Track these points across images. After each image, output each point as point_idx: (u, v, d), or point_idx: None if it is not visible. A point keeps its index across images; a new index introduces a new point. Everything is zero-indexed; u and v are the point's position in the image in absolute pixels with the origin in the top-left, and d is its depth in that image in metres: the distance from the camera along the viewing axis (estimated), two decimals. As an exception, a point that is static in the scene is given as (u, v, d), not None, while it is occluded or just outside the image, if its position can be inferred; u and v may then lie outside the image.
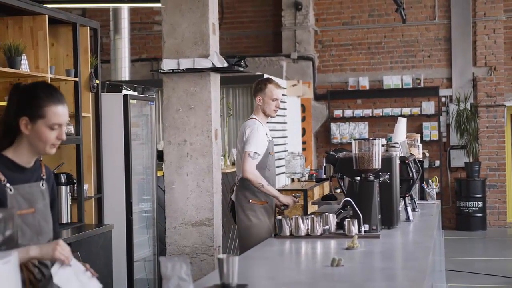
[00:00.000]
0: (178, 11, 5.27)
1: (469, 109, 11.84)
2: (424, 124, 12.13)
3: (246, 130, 5.19)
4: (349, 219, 4.06)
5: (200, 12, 5.24)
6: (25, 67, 5.20)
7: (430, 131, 12.12)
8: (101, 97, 6.17)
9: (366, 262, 3.50)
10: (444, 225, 10.87)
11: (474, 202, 11.68)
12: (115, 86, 6.74)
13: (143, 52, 13.26)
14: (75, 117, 5.68)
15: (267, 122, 5.43)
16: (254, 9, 13.05)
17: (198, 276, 4.53)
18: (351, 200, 4.13)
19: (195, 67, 5.21)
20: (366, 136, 12.14)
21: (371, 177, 4.21)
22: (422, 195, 6.17)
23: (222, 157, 8.08)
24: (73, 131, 5.64)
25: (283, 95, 9.59)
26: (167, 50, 5.30)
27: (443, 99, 12.23)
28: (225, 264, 2.59)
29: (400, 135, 5.56)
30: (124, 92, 6.48)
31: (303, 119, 11.89)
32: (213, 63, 5.18)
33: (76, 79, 5.73)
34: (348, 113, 12.34)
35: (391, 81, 12.26)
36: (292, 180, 10.13)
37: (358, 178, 4.20)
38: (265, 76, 7.60)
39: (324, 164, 4.95)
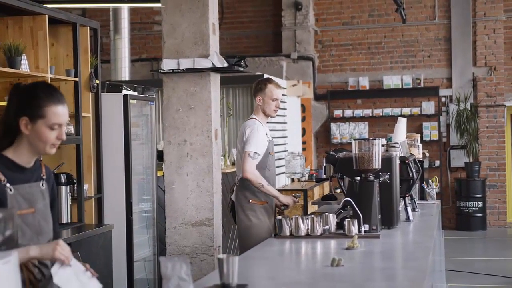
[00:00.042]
0: (178, 11, 5.27)
1: (469, 109, 11.84)
2: (424, 124, 12.13)
3: (246, 130, 5.19)
4: (349, 219, 4.06)
5: (200, 12, 5.24)
6: (25, 67, 5.20)
7: (430, 131, 12.12)
8: (101, 97, 6.17)
9: (366, 262, 3.50)
10: (444, 225, 10.87)
11: (474, 202, 11.68)
12: (115, 86, 6.74)
13: (143, 52, 13.26)
14: (75, 117, 5.69)
15: (267, 122, 5.43)
16: (254, 9, 13.05)
17: (198, 276, 4.53)
18: (351, 200, 4.13)
19: (195, 67, 5.21)
20: (366, 136, 12.14)
21: (371, 177, 4.21)
22: (422, 195, 6.17)
23: (222, 157, 8.08)
24: (73, 131, 5.64)
25: (283, 95, 9.59)
26: (167, 50, 5.30)
27: (443, 99, 12.23)
28: (225, 264, 2.59)
29: (400, 135, 5.56)
30: (124, 92, 6.48)
31: (303, 119, 11.89)
32: (213, 63, 5.18)
33: (76, 79, 5.73)
34: (348, 113, 12.34)
35: (391, 81, 12.26)
36: (292, 180, 10.13)
37: (358, 178, 4.20)
38: (265, 76, 7.61)
39: (324, 164, 4.95)
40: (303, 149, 11.69)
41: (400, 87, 12.24)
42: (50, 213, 2.79)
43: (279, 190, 5.52)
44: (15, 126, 2.66)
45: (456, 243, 10.72)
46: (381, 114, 12.24)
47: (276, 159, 5.86)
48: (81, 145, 5.77)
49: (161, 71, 5.32)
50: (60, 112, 2.68)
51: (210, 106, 5.27)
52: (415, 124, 12.05)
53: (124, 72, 11.11)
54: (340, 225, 4.13)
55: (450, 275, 7.83)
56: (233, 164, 8.23)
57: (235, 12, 13.06)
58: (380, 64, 12.51)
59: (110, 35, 11.28)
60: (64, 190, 5.45)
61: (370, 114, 12.28)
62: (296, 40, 12.49)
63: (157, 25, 12.88)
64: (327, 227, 4.10)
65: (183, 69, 5.23)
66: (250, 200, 5.20)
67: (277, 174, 8.26)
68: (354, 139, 4.31)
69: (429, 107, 12.10)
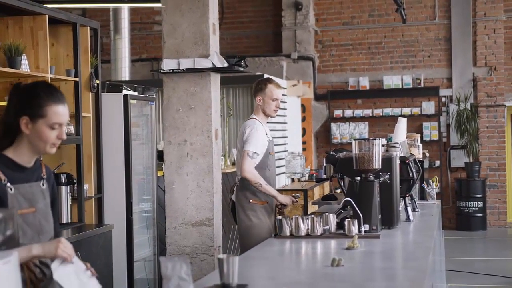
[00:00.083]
0: (178, 11, 5.27)
1: (469, 109, 11.84)
2: (424, 124, 12.13)
3: (246, 129, 5.20)
4: (349, 219, 4.06)
5: (200, 12, 5.24)
6: (25, 67, 5.20)
7: (430, 131, 12.12)
8: (101, 97, 6.18)
9: (366, 262, 3.50)
10: (444, 225, 10.88)
11: (474, 202, 11.68)
12: (115, 86, 6.74)
13: (143, 52, 13.26)
14: (75, 117, 5.69)
15: (267, 122, 5.43)
16: (254, 9, 13.05)
17: (198, 276, 4.53)
18: (351, 200, 4.13)
19: (195, 67, 5.21)
20: (366, 136, 12.14)
21: (371, 177, 4.21)
22: (422, 195, 6.17)
23: (222, 157, 8.08)
24: (73, 131, 5.64)
25: (283, 95, 9.59)
26: (167, 50, 5.30)
27: (443, 99, 12.23)
28: (225, 264, 2.59)
29: (400, 135, 5.56)
30: (124, 92, 6.48)
31: (303, 119, 11.89)
32: (213, 63, 5.18)
33: (76, 79, 5.73)
34: (348, 113, 12.34)
35: (391, 81, 12.26)
36: (292, 180, 10.13)
37: (358, 178, 4.20)
38: (265, 76, 7.61)
39: (324, 164, 4.95)
40: (303, 149, 11.69)
41: (400, 87, 12.24)
42: (51, 212, 2.79)
43: (279, 190, 5.52)
44: (15, 126, 2.66)
45: (456, 243, 10.72)
46: (381, 114, 12.24)
47: (276, 159, 5.87)
48: (81, 145, 5.77)
49: (161, 71, 5.32)
50: (61, 112, 2.68)
51: (210, 106, 5.27)
52: (415, 124, 12.05)
53: (124, 72, 11.11)
54: (340, 225, 4.13)
55: (450, 275, 7.83)
56: (233, 164, 8.23)
57: (235, 12, 13.06)
58: (380, 64, 12.51)
59: (110, 35, 11.28)
60: (64, 190, 5.45)
61: (370, 114, 12.28)
62: (296, 40, 12.50)
63: (157, 25, 12.88)
64: (327, 227, 4.09)
65: (183, 69, 5.23)
66: (251, 200, 5.20)
67: (277, 174, 8.26)
68: (354, 139, 4.31)
69: (429, 107, 12.09)
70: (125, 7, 11.05)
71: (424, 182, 6.23)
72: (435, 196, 6.19)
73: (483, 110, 12.06)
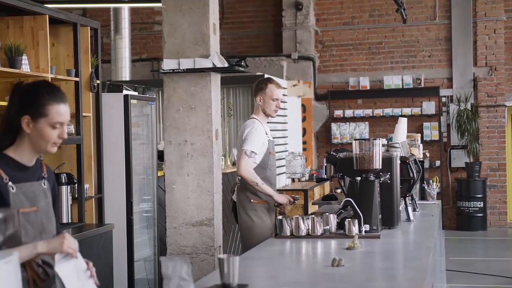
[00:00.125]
0: (178, 11, 5.27)
1: (470, 109, 11.84)
2: (425, 124, 12.13)
3: (245, 129, 5.22)
4: (349, 219, 4.06)
5: (201, 12, 5.24)
6: (25, 67, 5.20)
7: (431, 131, 12.12)
8: (101, 97, 6.18)
9: (367, 262, 3.50)
10: (445, 225, 10.87)
11: (475, 202, 11.67)
12: (116, 86, 6.74)
13: (144, 52, 13.26)
14: (76, 117, 5.69)
15: (268, 122, 5.44)
16: (254, 9, 13.05)
17: (198, 276, 4.53)
18: (351, 200, 4.13)
19: (195, 67, 5.21)
20: (367, 136, 12.14)
21: (372, 177, 4.21)
22: (423, 195, 6.17)
23: (223, 157, 8.08)
24: (73, 131, 5.64)
25: (284, 95, 9.59)
26: (167, 50, 5.30)
27: (443, 99, 12.23)
28: (226, 264, 2.59)
29: (401, 135, 5.56)
30: (125, 92, 6.48)
31: (304, 119, 11.89)
32: (213, 63, 5.18)
33: (77, 79, 5.73)
34: (349, 113, 12.34)
35: (392, 81, 12.26)
36: (293, 180, 10.13)
37: (359, 178, 4.20)
38: (266, 76, 7.61)
39: (325, 164, 4.96)
40: (304, 149, 11.69)
41: (401, 87, 12.23)
42: (53, 211, 2.80)
43: (279, 190, 5.52)
44: (16, 125, 2.67)
45: (457, 243, 10.72)
46: (381, 114, 12.24)
47: (276, 159, 5.86)
48: (82, 145, 5.77)
49: (162, 71, 5.32)
50: (62, 111, 2.69)
51: (210, 106, 5.27)
52: (416, 124, 12.05)
53: (125, 72, 11.11)
54: (340, 225, 4.13)
55: (451, 275, 7.83)
56: (233, 164, 8.23)
57: (236, 12, 13.06)
58: (380, 64, 12.51)
59: (111, 35, 11.28)
60: (65, 190, 5.45)
61: (371, 114, 12.28)
62: (297, 40, 12.50)
63: (158, 25, 12.88)
64: (327, 227, 4.10)
65: (183, 69, 5.23)
66: (252, 200, 5.21)
67: (278, 174, 8.26)
68: (355, 139, 4.31)
69: (429, 107, 12.09)
70: (125, 7, 11.05)
71: (425, 182, 6.23)
72: (435, 196, 6.19)
73: (484, 110, 12.06)
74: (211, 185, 5.27)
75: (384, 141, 5.10)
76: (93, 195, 6.02)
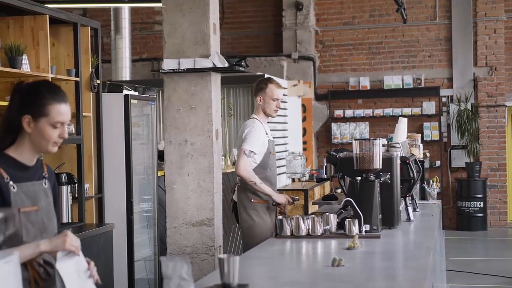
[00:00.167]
0: (179, 11, 5.26)
1: (470, 109, 11.84)
2: (425, 124, 12.13)
3: (245, 129, 5.23)
4: (349, 219, 4.06)
5: (201, 12, 5.24)
6: (26, 67, 5.20)
7: (431, 131, 12.12)
8: (102, 97, 6.18)
9: (367, 262, 3.50)
10: (445, 225, 10.87)
11: (475, 202, 11.67)
12: (116, 86, 6.74)
13: (144, 52, 13.26)
14: (76, 117, 5.69)
15: (268, 122, 5.44)
16: (254, 9, 13.05)
17: (199, 276, 4.53)
18: (351, 200, 4.13)
19: (196, 67, 5.21)
20: (367, 136, 12.14)
21: (372, 177, 4.21)
22: (423, 195, 6.17)
23: (223, 157, 8.08)
24: (73, 131, 5.64)
25: (284, 95, 9.59)
26: (168, 50, 5.30)
27: (443, 99, 12.23)
28: (226, 264, 2.59)
29: (401, 135, 5.56)
30: (125, 92, 6.48)
31: (304, 119, 11.88)
32: (214, 63, 5.18)
33: (77, 79, 5.73)
34: (349, 113, 12.34)
35: (392, 81, 12.26)
36: (293, 180, 10.12)
37: (359, 178, 4.20)
38: (266, 76, 7.61)
39: (325, 164, 4.95)
40: (304, 149, 11.69)
41: (401, 87, 12.23)
42: (54, 211, 2.81)
43: (279, 190, 5.52)
44: (17, 124, 2.67)
45: (457, 243, 10.72)
46: (381, 114, 12.24)
47: (276, 159, 5.87)
48: (82, 145, 5.77)
49: (162, 71, 5.32)
50: (63, 111, 2.69)
51: (210, 106, 5.27)
52: (416, 124, 12.05)
53: (125, 72, 11.10)
54: (340, 225, 4.13)
55: (451, 275, 7.83)
56: (233, 164, 8.22)
57: (236, 12, 13.06)
58: (380, 64, 12.51)
59: (111, 35, 11.28)
60: (65, 189, 5.45)
61: (371, 114, 12.28)
62: (297, 40, 12.50)
63: (158, 25, 12.88)
64: (327, 227, 4.10)
65: (184, 69, 5.23)
66: (252, 200, 5.21)
67: (278, 174, 8.26)
68: (355, 139, 4.31)
69: (429, 107, 12.09)
70: (125, 7, 11.05)
71: (425, 182, 6.23)
72: (435, 196, 6.19)
73: (484, 110, 12.06)
74: (211, 185, 5.27)
75: (384, 141, 5.10)
76: (93, 195, 6.02)
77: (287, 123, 10.30)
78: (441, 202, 6.70)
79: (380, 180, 4.29)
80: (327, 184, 9.96)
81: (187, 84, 5.29)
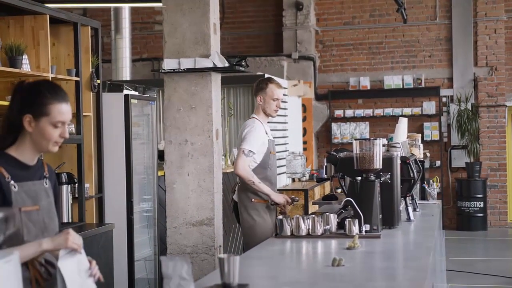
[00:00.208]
0: (179, 11, 5.26)
1: (470, 109, 11.84)
2: (425, 124, 12.13)
3: (245, 129, 5.23)
4: (350, 219, 4.06)
5: (201, 12, 5.24)
6: (26, 66, 5.20)
7: (431, 131, 12.12)
8: (102, 96, 6.18)
9: (367, 262, 3.50)
10: (445, 225, 10.87)
11: (475, 202, 11.67)
12: (116, 86, 6.74)
13: (144, 52, 13.26)
14: (76, 116, 5.69)
15: (268, 122, 5.44)
16: (255, 9, 13.05)
17: (199, 276, 4.53)
18: (352, 200, 4.13)
19: (196, 67, 5.21)
20: (367, 136, 12.14)
21: (372, 177, 4.21)
22: (423, 195, 6.17)
23: (223, 157, 8.08)
24: (74, 131, 5.64)
25: (284, 95, 9.59)
26: (168, 50, 5.30)
27: (444, 99, 12.23)
28: (226, 263, 2.59)
29: (401, 135, 5.56)
30: (125, 91, 6.48)
31: (304, 119, 11.88)
32: (214, 63, 5.18)
33: (77, 78, 5.73)
34: (349, 113, 12.34)
35: (392, 81, 12.26)
36: (293, 180, 10.12)
37: (359, 178, 4.20)
38: (266, 76, 7.61)
39: (325, 164, 4.95)
40: (304, 149, 11.69)
41: (401, 87, 12.23)
42: (55, 210, 2.81)
43: (279, 190, 5.52)
44: (18, 124, 2.67)
45: (457, 243, 10.72)
46: (382, 114, 12.24)
47: (277, 159, 5.87)
48: (82, 145, 5.77)
49: (162, 71, 5.31)
50: (64, 110, 2.69)
51: (211, 106, 5.27)
52: (416, 124, 12.05)
53: (125, 71, 11.11)
54: (341, 225, 4.13)
55: (451, 275, 7.83)
56: (233, 163, 8.22)
57: (236, 12, 13.06)
58: (381, 64, 12.51)
59: (111, 35, 11.28)
60: (65, 189, 5.46)
61: (371, 114, 12.28)
62: (297, 40, 12.49)
63: (158, 25, 12.88)
64: (328, 227, 4.10)
65: (184, 69, 5.22)
66: (253, 199, 5.21)
67: (278, 174, 8.26)
68: (355, 139, 4.31)
69: (430, 107, 12.09)
70: (126, 7, 11.05)
71: (425, 182, 6.23)
72: (435, 196, 6.19)
73: (484, 110, 12.06)
74: (212, 185, 5.27)
75: (385, 141, 5.10)
76: (94, 194, 6.02)
77: (287, 123, 10.30)
78: (441, 202, 6.70)
79: (380, 180, 4.29)
80: (327, 184, 9.96)
81: (187, 84, 5.28)
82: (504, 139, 12.07)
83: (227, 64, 5.20)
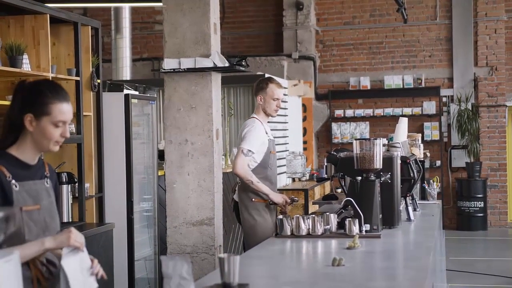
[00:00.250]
0: (179, 10, 5.26)
1: (470, 109, 11.84)
2: (425, 124, 12.13)
3: (245, 128, 5.24)
4: (350, 219, 4.06)
5: (202, 11, 5.24)
6: (26, 66, 5.20)
7: (431, 131, 12.12)
8: (102, 96, 6.18)
9: (367, 261, 3.50)
10: (445, 225, 10.87)
11: (475, 202, 11.67)
12: (116, 86, 6.74)
13: (144, 51, 13.26)
14: (77, 116, 5.69)
15: (268, 122, 5.44)
16: (255, 9, 13.05)
17: (199, 276, 4.53)
18: (352, 200, 4.13)
19: (196, 67, 5.20)
20: (367, 136, 12.15)
21: (372, 177, 4.21)
22: (423, 195, 6.17)
23: (223, 157, 8.08)
24: (74, 130, 5.64)
25: (284, 94, 9.58)
26: (168, 50, 5.30)
27: (444, 99, 12.23)
28: (226, 263, 2.59)
29: (401, 135, 5.56)
30: (125, 91, 6.48)
31: (304, 119, 11.88)
32: (214, 63, 5.18)
33: (78, 78, 5.73)
34: (349, 113, 12.34)
35: (392, 81, 12.25)
36: (293, 179, 10.12)
37: (359, 178, 4.20)
38: (266, 75, 7.61)
39: (325, 163, 4.95)
40: (304, 149, 11.68)
41: (401, 87, 12.23)
42: (56, 210, 2.81)
43: (280, 190, 5.52)
44: (19, 123, 2.68)
45: (457, 243, 10.72)
46: (382, 114, 12.24)
47: (277, 159, 5.87)
48: (82, 144, 5.77)
49: (162, 70, 5.31)
50: (65, 110, 2.70)
51: (211, 106, 5.26)
52: (416, 124, 12.05)
53: (125, 71, 11.11)
54: (341, 224, 4.13)
55: (451, 275, 7.83)
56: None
57: (237, 11, 13.06)
58: (381, 64, 12.51)
59: (112, 35, 11.28)
60: (65, 189, 5.46)
61: (371, 114, 12.28)
62: (297, 40, 12.49)
63: (159, 25, 12.88)
64: (328, 226, 4.10)
65: (184, 69, 5.22)
66: (253, 199, 5.21)
67: (278, 174, 8.26)
68: (355, 139, 4.31)
69: (430, 107, 12.09)
70: (126, 7, 11.05)
71: (425, 182, 6.23)
72: (436, 196, 6.19)
73: (484, 110, 12.06)
74: (212, 185, 5.27)
75: (385, 141, 5.10)
76: (94, 194, 6.03)
77: (287, 122, 10.30)
78: (441, 202, 6.70)
79: (381, 180, 4.29)
80: (327, 184, 9.96)
81: (188, 84, 5.28)
82: (504, 139, 12.07)
83: (227, 64, 5.19)
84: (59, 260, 2.62)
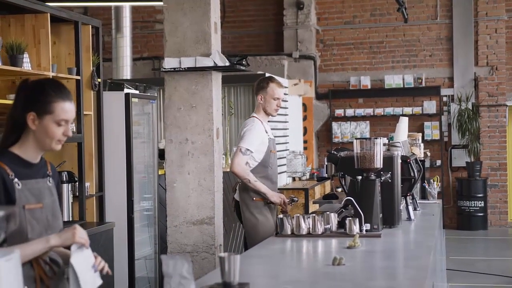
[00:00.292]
0: (180, 9, 5.26)
1: (471, 108, 11.84)
2: (426, 123, 12.13)
3: (244, 127, 5.24)
4: (350, 218, 4.06)
5: (202, 11, 5.24)
6: (27, 65, 5.20)
7: (432, 131, 12.12)
8: (102, 95, 6.18)
9: (368, 261, 3.50)
10: (445, 225, 10.88)
11: (475, 202, 11.67)
12: (117, 85, 6.74)
13: (145, 50, 13.26)
14: (77, 115, 5.69)
15: (268, 121, 5.44)
16: (256, 8, 13.05)
17: (199, 275, 4.53)
18: (352, 199, 4.14)
19: (196, 66, 5.20)
20: (368, 136, 12.14)
21: (373, 176, 4.21)
22: (424, 195, 6.17)
23: (224, 156, 8.08)
24: (74, 129, 5.64)
25: (285, 94, 9.58)
26: (168, 49, 5.30)
27: (444, 99, 12.23)
28: (227, 262, 2.59)
29: (402, 135, 5.57)
30: (126, 90, 6.48)
31: (305, 118, 11.88)
32: (214, 62, 5.18)
33: (78, 77, 5.74)
34: (350, 112, 12.34)
35: (393, 80, 12.25)
36: (294, 179, 10.12)
37: (360, 177, 4.21)
38: (267, 75, 7.61)
39: (326, 163, 4.96)
40: (305, 148, 11.69)
41: (402, 86, 12.23)
42: (59, 208, 2.82)
43: (280, 189, 5.52)
44: (22, 122, 2.68)
45: (457, 242, 10.72)
46: (382, 114, 12.24)
47: (277, 158, 5.87)
48: (83, 143, 5.78)
49: (163, 69, 5.31)
50: (68, 109, 2.70)
51: (211, 105, 5.26)
52: (417, 123, 12.05)
53: (126, 70, 11.11)
54: (341, 224, 4.13)
55: (451, 274, 7.83)
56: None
57: (237, 11, 13.06)
58: (381, 64, 12.50)
59: (112, 34, 11.28)
60: (66, 188, 5.46)
61: (372, 114, 12.28)
62: (298, 39, 12.49)
63: (159, 24, 12.88)
64: (328, 226, 4.10)
65: (184, 68, 5.22)
66: (254, 198, 5.22)
67: (279, 173, 8.26)
68: (356, 138, 4.31)
69: (430, 106, 12.09)
70: (126, 6, 11.05)
71: (425, 181, 6.23)
72: (436, 195, 6.19)
73: (485, 109, 12.06)
74: (212, 184, 5.27)
75: (385, 140, 5.10)
76: (94, 193, 6.03)
77: (287, 122, 10.30)
78: (442, 201, 6.70)
79: (381, 179, 4.30)
80: (327, 183, 9.96)
81: (188, 83, 5.28)
82: (504, 138, 12.07)
83: (227, 63, 5.19)
84: (62, 259, 2.62)
